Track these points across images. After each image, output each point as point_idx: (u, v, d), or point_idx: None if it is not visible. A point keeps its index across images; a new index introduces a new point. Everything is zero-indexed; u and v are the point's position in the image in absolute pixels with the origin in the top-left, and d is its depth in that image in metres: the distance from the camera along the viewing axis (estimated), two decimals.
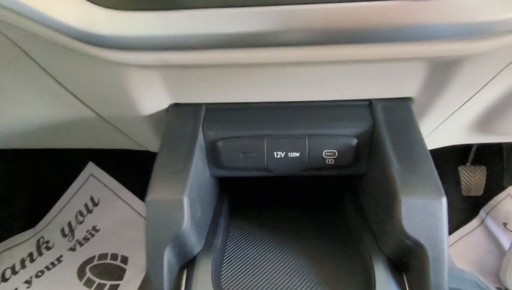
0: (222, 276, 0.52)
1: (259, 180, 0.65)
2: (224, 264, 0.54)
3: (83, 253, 1.20)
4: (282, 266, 0.53)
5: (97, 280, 1.12)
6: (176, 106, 0.58)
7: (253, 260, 0.54)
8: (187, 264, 0.49)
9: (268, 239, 0.58)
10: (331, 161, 0.53)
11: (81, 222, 1.27)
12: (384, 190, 0.47)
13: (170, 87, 0.52)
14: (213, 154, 0.55)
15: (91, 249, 1.20)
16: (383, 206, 0.48)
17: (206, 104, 0.57)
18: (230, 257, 0.55)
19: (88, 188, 1.32)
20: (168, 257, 0.45)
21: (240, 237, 0.59)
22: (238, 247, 0.57)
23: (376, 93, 0.54)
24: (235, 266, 0.53)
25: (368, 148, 0.54)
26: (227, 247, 0.57)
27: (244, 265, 0.54)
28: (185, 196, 0.45)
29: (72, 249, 1.21)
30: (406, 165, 0.46)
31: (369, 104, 0.55)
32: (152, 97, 0.54)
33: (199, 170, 0.51)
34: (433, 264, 0.42)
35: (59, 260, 1.17)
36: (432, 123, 0.60)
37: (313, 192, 0.73)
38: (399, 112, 0.54)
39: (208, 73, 0.49)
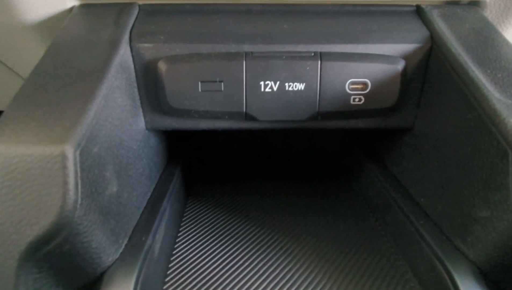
0: None
1: (235, 135, 0.41)
2: (167, 286, 0.29)
3: None
4: (278, 282, 0.30)
5: None
6: (84, 6, 0.33)
7: (221, 276, 0.30)
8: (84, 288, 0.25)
9: (249, 235, 0.35)
10: (360, 100, 0.31)
11: None
12: (469, 146, 0.25)
13: None
14: (148, 87, 0.31)
15: None
16: (467, 178, 0.26)
17: (140, 3, 0.33)
18: (179, 269, 0.31)
19: None
20: (30, 278, 0.21)
21: (200, 233, 0.35)
22: (195, 250, 0.33)
23: None
24: (186, 288, 0.29)
25: (422, 79, 0.31)
26: (175, 251, 0.33)
27: (205, 287, 0.30)
28: (71, 146, 0.21)
29: None
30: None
31: (417, 9, 0.33)
32: None
33: (116, 112, 0.27)
34: None
35: None
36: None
37: (310, 157, 0.50)
38: (468, 19, 0.32)
39: None
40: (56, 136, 0.21)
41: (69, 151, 0.20)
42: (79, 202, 0.21)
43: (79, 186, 0.21)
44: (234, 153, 0.50)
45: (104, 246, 0.24)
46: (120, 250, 0.26)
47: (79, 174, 0.21)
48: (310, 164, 0.48)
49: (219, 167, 0.47)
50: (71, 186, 0.20)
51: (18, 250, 0.20)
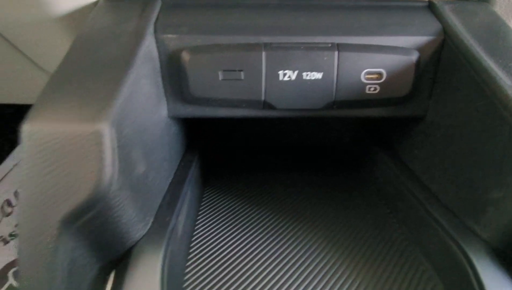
0: (186, 284, 0.29)
1: (250, 126, 0.43)
2: (190, 263, 0.31)
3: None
4: (292, 265, 0.31)
5: None
6: (109, 0, 0.35)
7: (239, 257, 0.32)
8: (115, 262, 0.26)
9: (264, 221, 0.36)
10: (375, 89, 0.32)
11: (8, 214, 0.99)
12: (481, 131, 0.26)
13: None
14: (172, 76, 0.32)
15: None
16: (479, 162, 0.27)
17: None
18: (199, 249, 0.32)
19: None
20: (67, 248, 0.22)
21: (218, 218, 0.37)
22: (214, 234, 0.34)
23: None
24: (207, 266, 0.31)
25: (435, 70, 0.32)
26: (195, 233, 0.34)
27: (224, 266, 0.31)
28: (107, 124, 0.22)
29: None
30: None
31: (429, 5, 0.35)
32: None
33: (142, 99, 0.28)
34: None
35: None
36: None
37: (322, 147, 0.51)
38: (479, 14, 0.33)
39: None
40: (92, 115, 0.22)
41: (106, 128, 0.22)
42: (115, 177, 0.22)
43: (116, 162, 0.22)
44: (249, 143, 0.52)
45: (133, 222, 0.25)
46: (147, 227, 0.27)
47: (116, 150, 0.22)
48: (322, 154, 0.49)
49: (235, 156, 0.48)
50: (109, 161, 0.22)
51: (57, 219, 0.21)
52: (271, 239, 0.34)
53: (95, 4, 0.35)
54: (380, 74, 0.31)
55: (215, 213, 0.37)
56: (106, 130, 0.22)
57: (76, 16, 0.36)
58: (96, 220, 0.23)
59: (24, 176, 0.21)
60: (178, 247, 0.28)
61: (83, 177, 0.22)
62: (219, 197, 0.39)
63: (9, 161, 1.10)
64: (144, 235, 0.26)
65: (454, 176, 0.29)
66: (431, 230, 0.29)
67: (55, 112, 0.23)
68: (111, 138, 0.22)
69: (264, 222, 0.36)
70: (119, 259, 0.26)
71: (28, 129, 0.22)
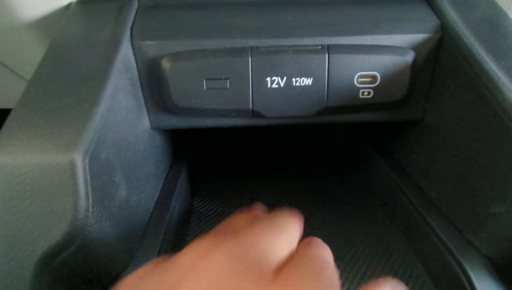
0: None
1: (240, 132, 0.41)
2: None
3: None
4: None
5: None
6: (82, 3, 0.32)
7: None
8: None
9: None
10: (368, 94, 0.30)
11: None
12: (483, 141, 0.25)
13: None
14: (152, 85, 0.30)
15: None
16: (481, 173, 0.25)
17: None
18: None
19: None
20: (46, 287, 0.21)
21: (209, 230, 0.35)
22: None
23: None
24: None
25: (432, 71, 0.31)
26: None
27: None
28: (79, 154, 0.20)
29: None
30: None
31: None
32: None
33: (121, 113, 0.26)
34: None
35: None
36: None
37: (316, 151, 0.50)
38: (479, 6, 0.31)
39: None
40: (63, 144, 0.20)
41: (78, 159, 0.20)
42: (90, 210, 0.21)
43: (90, 194, 0.21)
44: (239, 149, 0.50)
45: (117, 252, 0.24)
46: (133, 254, 0.26)
47: (89, 182, 0.20)
48: (316, 159, 0.47)
49: (225, 164, 0.46)
50: (82, 194, 0.20)
51: (32, 260, 0.20)
52: None
53: (67, 8, 0.33)
54: (373, 77, 0.29)
55: (206, 224, 0.36)
56: (79, 160, 0.20)
57: (48, 21, 0.33)
58: (75, 256, 0.21)
59: None
60: None
61: (57, 214, 0.20)
62: (210, 206, 0.38)
63: None
64: (130, 263, 0.25)
65: (454, 185, 0.28)
66: (428, 241, 0.28)
67: (26, 140, 0.21)
68: (84, 168, 0.20)
69: None
70: None
71: None
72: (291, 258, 0.19)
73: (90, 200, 0.20)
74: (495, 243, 0.24)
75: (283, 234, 0.21)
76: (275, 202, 0.38)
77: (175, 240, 0.31)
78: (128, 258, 0.25)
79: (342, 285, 0.29)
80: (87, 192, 0.20)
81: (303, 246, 0.21)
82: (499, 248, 0.24)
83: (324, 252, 0.21)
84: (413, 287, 0.29)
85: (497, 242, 0.24)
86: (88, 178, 0.20)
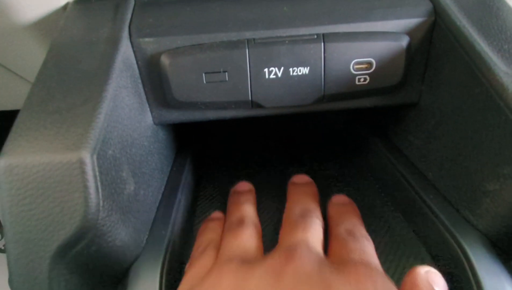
0: None
1: (241, 123, 0.42)
2: None
3: None
4: None
5: None
6: (79, 2, 0.32)
7: None
8: (113, 286, 0.26)
9: (263, 220, 0.36)
10: (364, 80, 0.31)
11: None
12: (477, 121, 0.26)
13: None
14: (153, 82, 0.31)
15: None
16: (475, 152, 0.26)
17: None
18: None
19: None
20: (61, 280, 0.22)
21: None
22: None
23: None
24: None
25: (426, 54, 0.31)
26: (193, 241, 0.34)
27: None
28: (87, 151, 0.21)
29: None
30: None
31: None
32: None
33: (125, 111, 0.27)
34: None
35: None
36: None
37: (316, 137, 0.50)
38: None
39: None
40: (71, 144, 0.21)
41: (86, 156, 0.21)
42: (101, 204, 0.21)
43: (100, 189, 0.21)
44: (241, 139, 0.51)
45: (128, 243, 0.25)
46: (143, 245, 0.27)
47: (98, 178, 0.21)
48: (316, 145, 0.48)
49: (228, 155, 0.47)
50: (92, 190, 0.21)
51: (48, 254, 0.21)
52: (271, 236, 0.34)
53: (64, 8, 0.33)
54: (369, 63, 0.30)
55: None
56: (87, 158, 0.21)
57: (47, 23, 0.34)
58: (88, 249, 0.22)
59: (7, 215, 0.21)
60: (178, 259, 0.28)
61: (69, 210, 0.21)
62: (215, 198, 0.39)
63: None
64: (140, 254, 0.26)
65: (450, 165, 0.29)
66: (427, 220, 0.29)
67: (34, 141, 0.22)
68: (92, 165, 0.21)
69: (261, 219, 0.36)
70: (116, 282, 0.25)
71: (5, 163, 0.21)
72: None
73: (100, 195, 0.21)
74: (490, 219, 0.25)
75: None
76: (278, 189, 0.39)
77: (182, 231, 0.32)
78: (138, 249, 0.26)
79: None
80: (96, 188, 0.21)
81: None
82: (494, 225, 0.25)
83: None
84: (414, 266, 0.30)
85: (493, 219, 0.25)
86: (97, 174, 0.21)
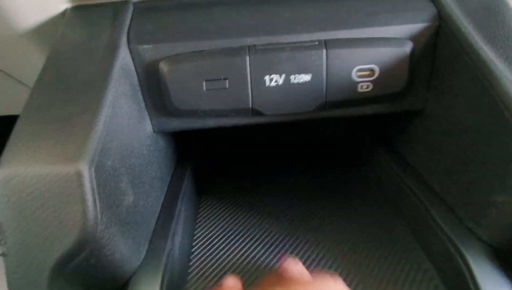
0: None
1: (243, 131, 0.41)
2: (189, 282, 0.30)
3: None
4: None
5: None
6: (77, 9, 0.32)
7: (241, 271, 0.31)
8: None
9: (265, 229, 0.35)
10: (367, 87, 0.30)
11: None
12: (484, 131, 0.25)
13: None
14: (152, 89, 0.30)
15: None
16: (483, 163, 0.25)
17: (134, 1, 0.32)
18: (199, 267, 0.32)
19: None
20: None
21: (216, 231, 0.36)
22: (213, 248, 0.34)
23: None
24: (208, 282, 0.30)
25: (431, 60, 0.30)
26: (194, 249, 0.34)
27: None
28: (85, 164, 0.21)
29: None
30: None
31: None
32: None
33: (124, 119, 0.27)
34: None
35: None
36: None
37: (319, 146, 0.50)
38: None
39: None
40: (69, 155, 0.21)
41: (84, 168, 0.20)
42: (99, 217, 0.21)
43: (97, 202, 0.21)
44: (243, 148, 0.50)
45: (127, 256, 0.24)
46: (142, 257, 0.26)
47: (96, 190, 0.21)
48: (320, 154, 0.48)
49: (229, 163, 0.47)
50: (90, 203, 0.21)
51: (47, 267, 0.21)
52: (272, 247, 0.33)
53: (63, 14, 0.33)
54: (372, 70, 0.29)
55: (213, 225, 0.36)
56: (85, 170, 0.20)
57: (46, 28, 0.33)
58: (87, 261, 0.22)
59: (6, 226, 0.20)
60: (176, 271, 0.28)
61: (67, 223, 0.20)
62: (216, 206, 0.38)
63: None
64: (140, 266, 0.26)
65: (456, 175, 0.28)
66: (431, 231, 0.29)
67: (33, 151, 0.21)
68: (90, 178, 0.21)
69: (264, 229, 0.35)
70: None
71: (4, 173, 0.20)
72: None
73: (98, 208, 0.21)
74: (496, 230, 0.24)
75: None
76: (282, 199, 0.38)
77: (182, 240, 0.31)
78: (138, 261, 0.26)
79: (351, 278, 0.30)
80: (94, 200, 0.21)
81: None
82: (500, 236, 0.24)
83: None
84: (417, 276, 0.29)
85: (499, 230, 0.24)
86: (94, 187, 0.21)
